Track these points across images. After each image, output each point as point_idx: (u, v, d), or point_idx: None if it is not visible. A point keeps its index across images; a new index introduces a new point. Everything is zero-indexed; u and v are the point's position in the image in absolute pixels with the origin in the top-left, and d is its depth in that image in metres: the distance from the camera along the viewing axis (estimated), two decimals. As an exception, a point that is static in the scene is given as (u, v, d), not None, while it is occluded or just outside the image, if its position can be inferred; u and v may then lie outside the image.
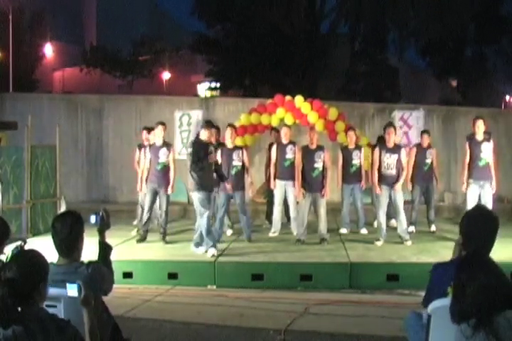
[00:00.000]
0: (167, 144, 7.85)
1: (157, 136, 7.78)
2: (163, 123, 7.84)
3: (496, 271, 2.28)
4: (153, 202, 7.78)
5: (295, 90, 11.73)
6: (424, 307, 2.91)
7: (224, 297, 5.80)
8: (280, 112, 9.89)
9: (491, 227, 2.87)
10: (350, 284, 6.20)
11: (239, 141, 9.13)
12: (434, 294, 2.75)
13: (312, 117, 9.74)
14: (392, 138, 7.50)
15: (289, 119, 9.77)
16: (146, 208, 7.77)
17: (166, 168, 7.72)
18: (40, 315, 2.26)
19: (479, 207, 3.27)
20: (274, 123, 9.90)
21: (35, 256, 2.41)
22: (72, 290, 2.58)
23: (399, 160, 7.45)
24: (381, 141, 7.98)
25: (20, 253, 2.40)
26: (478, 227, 2.84)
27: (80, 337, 2.38)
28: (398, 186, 7.40)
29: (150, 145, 7.88)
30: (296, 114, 9.85)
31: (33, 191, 8.56)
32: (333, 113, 9.82)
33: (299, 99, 9.92)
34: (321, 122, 9.74)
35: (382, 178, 7.48)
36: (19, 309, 2.21)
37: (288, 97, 10.03)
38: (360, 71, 24.92)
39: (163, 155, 7.70)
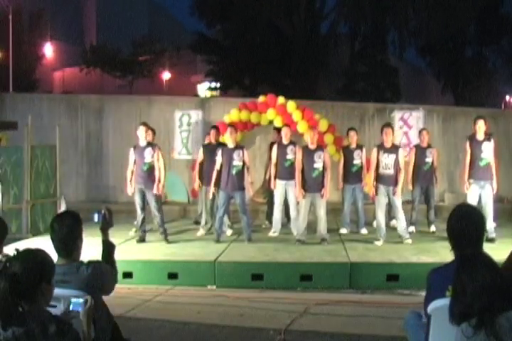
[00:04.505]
0: (151, 144, 7.84)
1: (140, 137, 7.77)
2: (144, 124, 7.86)
3: (499, 271, 2.27)
4: (142, 202, 7.81)
5: (295, 90, 11.70)
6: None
7: (224, 297, 5.79)
8: (270, 113, 9.81)
9: (480, 222, 2.85)
10: (350, 284, 6.19)
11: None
12: (433, 300, 2.71)
13: (301, 126, 9.62)
14: (390, 139, 7.52)
15: (278, 122, 9.67)
16: (138, 209, 7.82)
17: (151, 168, 7.71)
18: (42, 317, 2.24)
19: (462, 206, 3.16)
20: (264, 122, 9.85)
21: (40, 255, 2.39)
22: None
23: (396, 161, 7.47)
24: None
25: (25, 251, 2.38)
26: (469, 225, 2.78)
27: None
28: (398, 189, 7.42)
29: (134, 147, 7.86)
30: (286, 119, 9.72)
31: (33, 191, 8.55)
32: (323, 124, 9.71)
33: (290, 105, 9.81)
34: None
35: (380, 178, 7.49)
36: (20, 309, 2.20)
37: (281, 99, 9.93)
38: (360, 71, 24.93)
39: (148, 155, 7.70)
